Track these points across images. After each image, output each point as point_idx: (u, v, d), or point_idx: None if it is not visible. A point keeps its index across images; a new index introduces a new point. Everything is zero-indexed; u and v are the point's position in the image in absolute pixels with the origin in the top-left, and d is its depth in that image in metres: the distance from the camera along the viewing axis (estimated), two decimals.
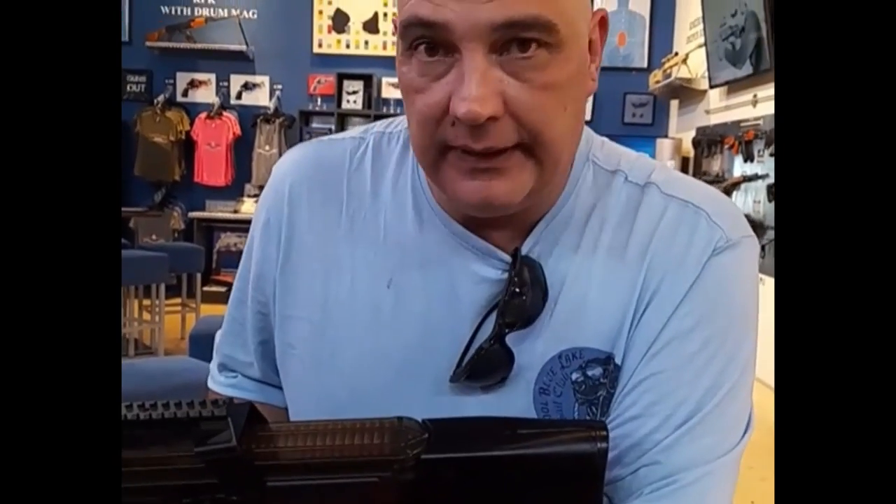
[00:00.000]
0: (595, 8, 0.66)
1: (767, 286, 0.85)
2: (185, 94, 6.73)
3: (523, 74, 0.59)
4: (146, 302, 5.05)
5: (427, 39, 0.59)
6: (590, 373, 0.67)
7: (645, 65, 6.34)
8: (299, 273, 0.74)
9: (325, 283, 0.73)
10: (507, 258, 0.68)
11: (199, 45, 6.52)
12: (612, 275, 0.68)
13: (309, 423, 0.62)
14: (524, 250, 0.68)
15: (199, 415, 0.57)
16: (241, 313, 0.80)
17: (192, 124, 6.59)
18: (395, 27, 0.64)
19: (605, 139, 0.75)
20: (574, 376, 0.67)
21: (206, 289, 5.53)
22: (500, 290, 0.68)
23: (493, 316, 0.68)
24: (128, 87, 6.69)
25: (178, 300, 5.21)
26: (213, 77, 6.71)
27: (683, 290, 0.66)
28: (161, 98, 6.53)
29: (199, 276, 5.11)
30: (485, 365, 0.67)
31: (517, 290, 0.66)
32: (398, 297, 0.70)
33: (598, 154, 0.72)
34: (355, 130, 0.79)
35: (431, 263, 0.70)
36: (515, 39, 0.58)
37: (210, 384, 0.85)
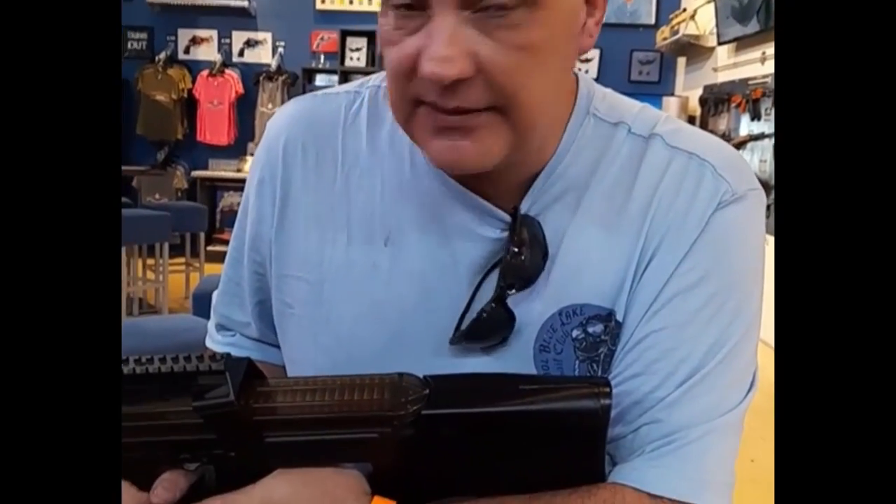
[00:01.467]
0: None
1: (771, 246, 0.84)
2: (186, 51, 6.68)
3: (497, 34, 0.57)
4: (150, 261, 5.07)
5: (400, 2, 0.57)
6: (590, 330, 0.66)
7: (652, 21, 6.25)
8: (295, 232, 0.73)
9: (321, 241, 0.72)
10: (506, 217, 0.67)
11: (200, 2, 6.45)
12: (613, 230, 0.66)
13: (308, 379, 0.61)
14: (523, 208, 0.67)
15: (197, 369, 0.57)
16: (237, 273, 0.80)
17: (194, 82, 6.55)
18: None
19: (609, 90, 0.73)
20: (574, 333, 0.66)
21: (209, 248, 5.53)
22: (499, 248, 0.67)
23: (493, 276, 0.67)
24: (129, 45, 6.63)
25: (182, 259, 5.22)
26: (214, 34, 6.65)
27: (687, 245, 0.65)
28: (163, 55, 6.49)
29: (202, 235, 5.11)
30: (486, 327, 0.66)
31: (516, 249, 0.65)
32: (395, 256, 0.69)
33: (599, 106, 0.70)
34: (350, 84, 0.77)
35: (429, 221, 0.69)
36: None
37: (208, 343, 0.85)
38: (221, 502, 0.58)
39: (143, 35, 6.63)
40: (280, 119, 0.77)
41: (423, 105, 0.60)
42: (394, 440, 0.57)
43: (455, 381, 0.61)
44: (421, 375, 0.60)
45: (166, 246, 4.49)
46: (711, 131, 5.21)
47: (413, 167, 0.70)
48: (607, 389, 0.58)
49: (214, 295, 0.85)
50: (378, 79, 0.76)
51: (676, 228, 0.66)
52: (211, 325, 0.85)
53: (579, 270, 0.66)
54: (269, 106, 6.46)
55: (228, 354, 0.58)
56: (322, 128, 0.74)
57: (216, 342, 0.84)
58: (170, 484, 0.58)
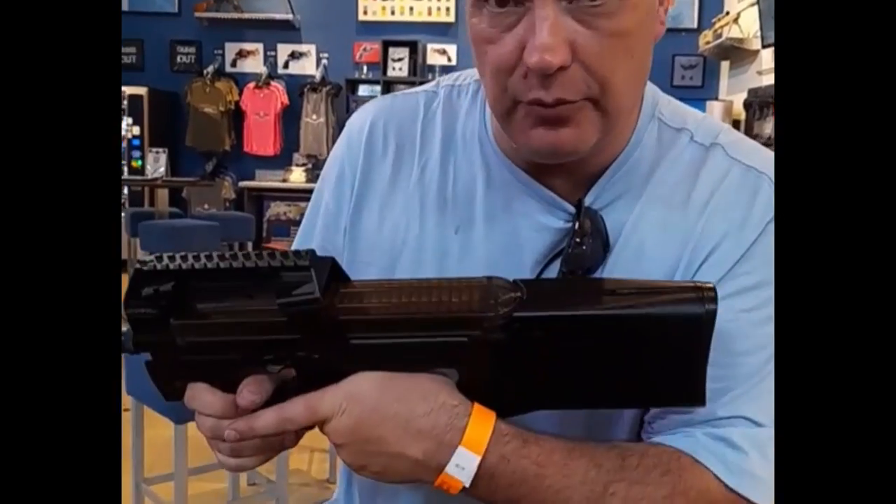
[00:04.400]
0: None
1: None
2: (233, 64, 6.80)
3: (593, 22, 0.60)
4: None
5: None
6: None
7: (694, 25, 6.20)
8: (370, 220, 0.76)
9: (395, 229, 0.75)
10: (570, 208, 0.70)
11: (246, 15, 6.57)
12: (669, 228, 0.69)
13: (394, 281, 0.59)
14: (587, 201, 0.70)
15: (282, 265, 0.53)
16: None
17: (240, 94, 6.66)
18: None
19: (671, 97, 0.76)
20: None
21: None
22: (561, 238, 0.70)
23: (554, 265, 0.69)
24: (178, 59, 6.78)
25: None
26: (260, 47, 6.76)
27: (742, 250, 0.67)
28: (210, 69, 6.61)
29: (249, 244, 5.20)
30: None
31: (578, 240, 0.68)
32: (464, 244, 0.73)
33: (664, 111, 0.73)
34: (428, 85, 0.82)
35: (497, 212, 0.72)
36: None
37: None
38: (304, 401, 0.58)
39: (192, 49, 6.77)
40: (362, 115, 0.81)
41: (521, 104, 0.63)
42: (483, 344, 0.55)
43: (548, 284, 0.59)
44: (511, 279, 0.58)
45: None
46: (756, 135, 5.15)
47: (484, 158, 0.74)
48: (712, 294, 0.55)
49: None
50: (451, 79, 0.81)
51: (733, 233, 0.67)
52: None
53: (635, 263, 0.68)
54: (314, 117, 6.55)
55: (313, 251, 0.55)
56: (403, 122, 0.78)
57: None
58: (255, 387, 0.58)
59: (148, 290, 0.55)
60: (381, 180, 0.77)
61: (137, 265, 0.55)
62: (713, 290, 0.56)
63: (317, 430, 0.60)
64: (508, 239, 0.71)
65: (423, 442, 0.57)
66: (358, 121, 0.81)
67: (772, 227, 0.67)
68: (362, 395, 0.57)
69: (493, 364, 0.55)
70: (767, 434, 0.63)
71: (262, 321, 0.55)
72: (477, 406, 0.57)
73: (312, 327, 0.55)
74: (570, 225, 0.69)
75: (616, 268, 0.69)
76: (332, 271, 0.56)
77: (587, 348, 0.55)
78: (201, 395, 0.60)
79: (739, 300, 0.66)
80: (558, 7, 0.59)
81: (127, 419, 1.92)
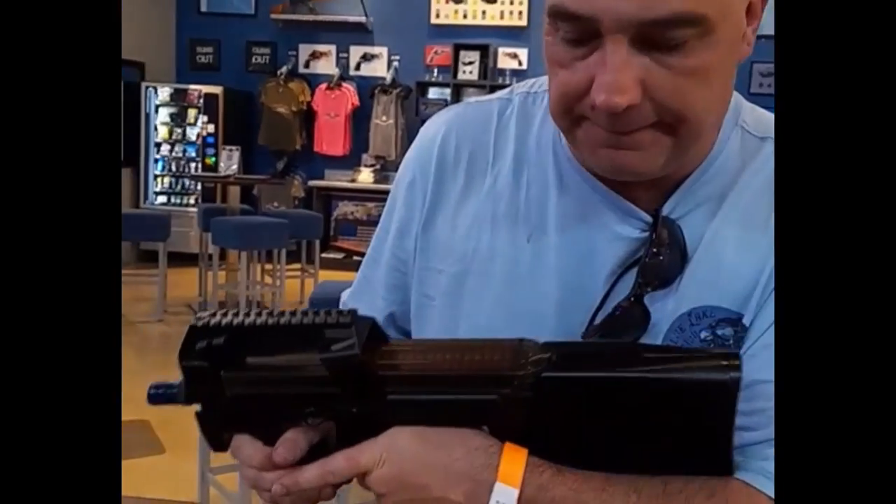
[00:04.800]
0: None
1: None
2: (306, 65, 6.92)
3: (668, 60, 0.58)
4: (268, 266, 5.27)
5: (571, 32, 0.59)
6: (719, 332, 0.67)
7: (772, 32, 6.02)
8: (442, 227, 0.76)
9: (467, 236, 0.74)
10: (647, 217, 0.68)
11: (320, 17, 6.68)
12: (749, 237, 0.67)
13: (429, 341, 0.62)
14: (665, 210, 0.68)
15: (325, 322, 0.57)
16: (372, 272, 0.83)
17: (312, 95, 6.77)
18: None
19: (755, 105, 0.74)
20: (703, 335, 0.67)
21: (324, 255, 5.71)
22: (637, 248, 0.68)
23: (628, 275, 0.68)
24: (253, 59, 6.93)
25: (298, 265, 5.40)
26: (333, 48, 6.86)
27: None
28: (284, 69, 6.74)
29: (317, 242, 5.28)
30: (619, 323, 0.67)
31: (656, 250, 0.66)
32: (536, 252, 0.72)
33: (747, 119, 0.71)
34: (502, 92, 0.81)
35: (570, 220, 0.71)
36: (662, 33, 0.57)
37: None
38: (345, 455, 0.60)
39: (267, 50, 6.91)
40: (436, 123, 0.81)
41: (586, 120, 0.62)
42: (513, 402, 0.57)
43: (577, 346, 0.61)
44: (541, 341, 0.60)
45: (283, 252, 4.66)
46: None
47: (557, 167, 0.73)
48: (737, 362, 0.56)
49: (344, 294, 0.88)
50: (526, 85, 0.79)
51: None
52: None
53: (712, 274, 0.67)
54: (384, 118, 6.61)
55: (355, 311, 0.58)
56: (476, 131, 0.78)
57: None
58: (291, 444, 0.61)
59: (201, 344, 0.59)
60: (453, 189, 0.77)
61: (193, 321, 0.59)
62: (738, 357, 0.57)
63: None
64: (582, 248, 0.70)
65: (463, 484, 0.58)
66: (431, 129, 0.80)
67: None
68: (401, 446, 0.59)
69: (522, 421, 0.57)
70: None
71: (305, 375, 0.59)
72: (508, 444, 0.59)
73: (352, 381, 0.58)
74: (646, 234, 0.68)
75: (692, 277, 0.67)
76: (372, 331, 0.60)
77: (613, 410, 0.57)
78: (244, 447, 0.63)
79: None
80: (632, 47, 0.57)
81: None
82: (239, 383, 0.60)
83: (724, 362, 0.56)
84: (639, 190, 0.68)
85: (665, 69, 0.58)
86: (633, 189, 0.68)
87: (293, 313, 0.58)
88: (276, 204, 6.61)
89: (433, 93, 6.67)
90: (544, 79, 0.75)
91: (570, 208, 0.71)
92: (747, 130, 0.70)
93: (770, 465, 0.61)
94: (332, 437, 0.61)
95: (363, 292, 0.84)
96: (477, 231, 0.74)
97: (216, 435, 0.64)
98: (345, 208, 6.85)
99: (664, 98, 0.59)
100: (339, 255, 6.56)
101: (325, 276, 4.98)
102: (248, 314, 0.58)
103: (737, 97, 0.71)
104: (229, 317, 0.58)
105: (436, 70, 6.71)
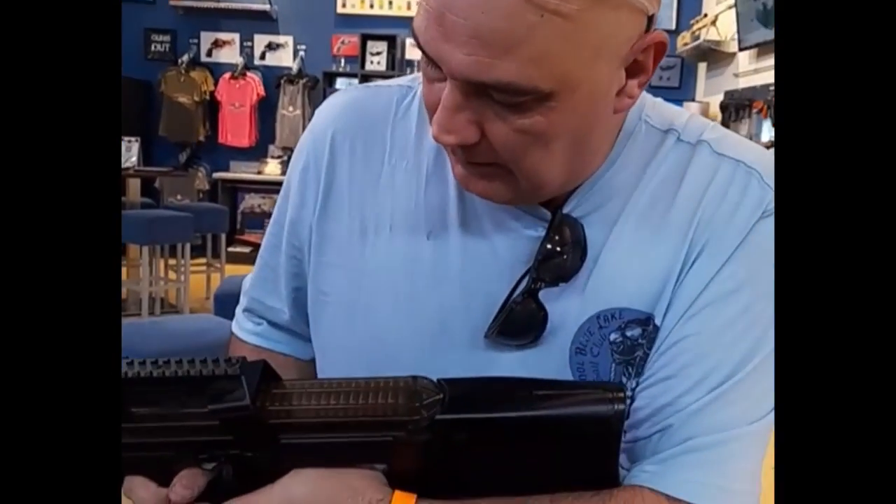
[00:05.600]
0: (654, 29, 0.60)
1: None
2: (209, 54, 6.72)
3: (503, 113, 0.57)
4: (171, 261, 5.11)
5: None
6: (628, 333, 0.67)
7: (673, 27, 6.23)
8: (338, 220, 0.74)
9: (364, 231, 0.72)
10: (549, 216, 0.68)
11: (222, 5, 6.49)
12: (655, 235, 0.66)
13: (323, 381, 0.62)
14: (566, 209, 0.67)
15: (213, 373, 0.57)
16: (274, 258, 0.80)
17: (216, 85, 6.59)
18: None
19: (658, 99, 0.73)
20: (612, 337, 0.67)
21: (230, 249, 5.57)
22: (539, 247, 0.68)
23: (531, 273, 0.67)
24: (152, 47, 6.69)
25: (203, 260, 5.26)
26: (236, 37, 6.69)
27: (728, 252, 0.65)
28: (185, 58, 6.53)
29: (223, 236, 5.14)
30: (517, 321, 0.67)
31: (557, 248, 0.66)
32: (437, 250, 0.70)
33: (650, 114, 0.71)
34: (403, 79, 0.78)
35: (472, 219, 0.70)
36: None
37: (234, 329, 0.85)
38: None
39: (167, 38, 6.68)
40: (330, 108, 0.78)
41: None
42: (408, 444, 0.58)
43: (469, 386, 0.62)
44: (435, 378, 0.61)
45: (188, 246, 4.53)
46: None
47: None
48: (621, 395, 0.59)
49: (246, 279, 0.85)
50: None
51: (719, 234, 0.66)
52: (239, 309, 0.85)
53: (619, 275, 0.66)
54: (290, 109, 6.50)
55: (244, 358, 0.58)
56: (372, 119, 0.75)
57: (243, 329, 0.84)
58: (188, 482, 0.59)
59: None
60: (348, 179, 0.74)
61: None
62: (622, 390, 0.59)
63: None
64: (484, 248, 0.69)
65: None
66: (325, 114, 0.78)
67: (761, 225, 0.65)
68: (295, 497, 0.59)
69: (417, 460, 0.59)
70: (736, 435, 0.63)
71: (195, 424, 0.59)
72: (397, 493, 0.59)
73: (244, 430, 0.58)
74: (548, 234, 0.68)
75: (599, 279, 0.67)
76: (263, 373, 0.60)
77: (505, 446, 0.59)
78: (137, 489, 0.61)
79: (727, 306, 0.64)
80: (468, 93, 0.57)
81: None
82: (126, 434, 0.58)
83: (610, 395, 0.59)
84: None
85: (501, 121, 0.57)
86: None
87: (179, 362, 0.57)
88: (179, 197, 6.41)
89: (341, 83, 6.59)
90: None
91: (471, 207, 0.70)
92: (651, 125, 0.70)
93: (661, 465, 0.63)
94: (229, 477, 0.61)
95: (267, 279, 0.81)
96: (374, 226, 0.72)
97: None
98: (251, 201, 6.70)
99: (499, 147, 0.59)
100: (247, 249, 6.41)
101: (232, 270, 4.86)
102: (131, 364, 0.58)
103: (642, 94, 0.71)
104: None
105: (343, 60, 6.63)
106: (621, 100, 0.62)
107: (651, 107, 0.71)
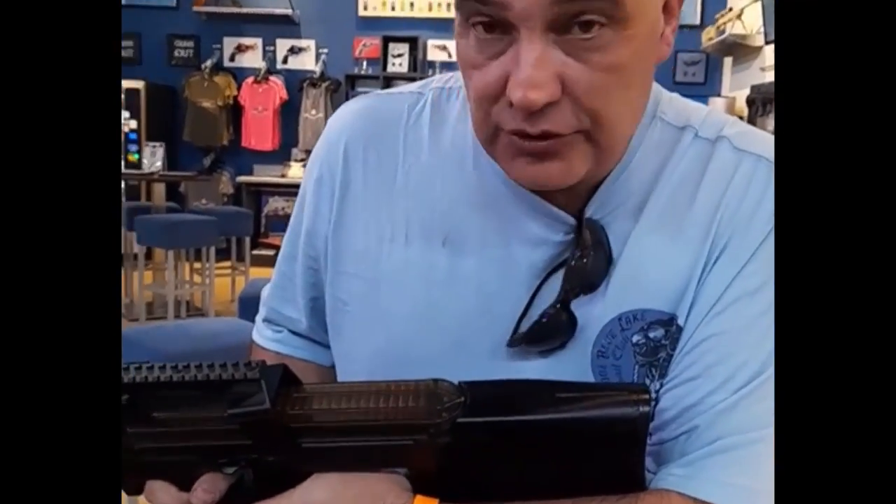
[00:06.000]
0: None
1: None
2: (232, 58, 6.77)
3: (585, 55, 0.56)
4: (197, 265, 5.15)
5: (483, 17, 0.56)
6: (651, 335, 0.65)
7: (697, 21, 6.17)
8: (353, 229, 0.72)
9: (379, 239, 0.71)
10: (570, 220, 0.66)
11: (245, 10, 6.54)
12: (677, 234, 0.65)
13: (343, 385, 0.61)
14: (588, 213, 0.66)
15: (232, 377, 0.57)
16: (290, 268, 0.79)
17: (239, 89, 6.64)
18: None
19: (675, 94, 0.72)
20: (635, 338, 0.65)
21: (254, 252, 5.61)
22: (559, 252, 0.66)
23: (552, 280, 0.66)
24: (175, 53, 6.75)
25: (228, 263, 5.29)
26: (259, 42, 6.73)
27: (752, 249, 0.63)
28: (208, 63, 6.59)
29: (247, 239, 5.18)
30: (546, 330, 0.65)
31: (584, 255, 0.64)
32: (453, 256, 0.68)
33: (666, 110, 0.69)
34: (413, 85, 0.77)
35: (490, 223, 0.68)
36: (577, 20, 0.54)
37: (255, 337, 0.85)
38: None
39: (190, 43, 6.74)
40: (342, 117, 0.77)
41: (503, 132, 0.59)
42: (429, 447, 0.57)
43: (491, 389, 0.61)
44: (457, 382, 0.60)
45: (213, 250, 4.56)
46: None
47: (477, 168, 0.69)
48: (646, 396, 0.57)
49: (265, 289, 0.85)
50: (441, 80, 0.76)
51: (742, 231, 0.64)
52: (259, 318, 0.85)
53: (641, 275, 0.65)
54: (313, 112, 6.52)
55: (263, 362, 0.58)
56: (385, 127, 0.74)
57: (264, 337, 0.83)
58: (209, 486, 0.59)
59: None
60: (363, 187, 0.73)
61: None
62: (647, 391, 0.58)
63: None
64: (501, 253, 0.67)
65: None
66: (337, 123, 0.76)
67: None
68: (315, 502, 0.58)
69: (439, 463, 0.58)
70: (757, 437, 0.61)
71: (215, 429, 0.58)
72: (419, 497, 0.58)
73: (263, 434, 0.58)
74: (569, 238, 0.66)
75: (620, 280, 0.65)
76: (283, 376, 0.59)
77: (528, 450, 0.58)
78: (158, 493, 0.61)
79: (752, 304, 0.63)
80: (546, 39, 0.55)
81: None
82: (146, 438, 0.59)
83: (634, 397, 0.57)
84: (558, 192, 0.65)
85: (582, 64, 0.56)
86: (552, 192, 0.65)
87: (199, 366, 0.57)
88: (204, 201, 6.46)
89: (363, 86, 6.61)
90: (460, 73, 0.72)
91: (489, 211, 0.68)
92: (667, 122, 0.68)
93: (688, 467, 0.61)
94: (249, 482, 0.60)
95: (284, 288, 0.81)
96: (390, 234, 0.71)
97: (129, 481, 0.63)
98: (275, 204, 6.74)
99: (584, 96, 0.56)
100: (271, 252, 6.44)
101: (257, 273, 4.88)
102: (151, 368, 0.57)
103: (656, 88, 0.69)
104: (132, 373, 0.57)
105: (365, 63, 6.65)
106: (661, 47, 0.62)
107: (667, 103, 0.70)
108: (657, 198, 0.66)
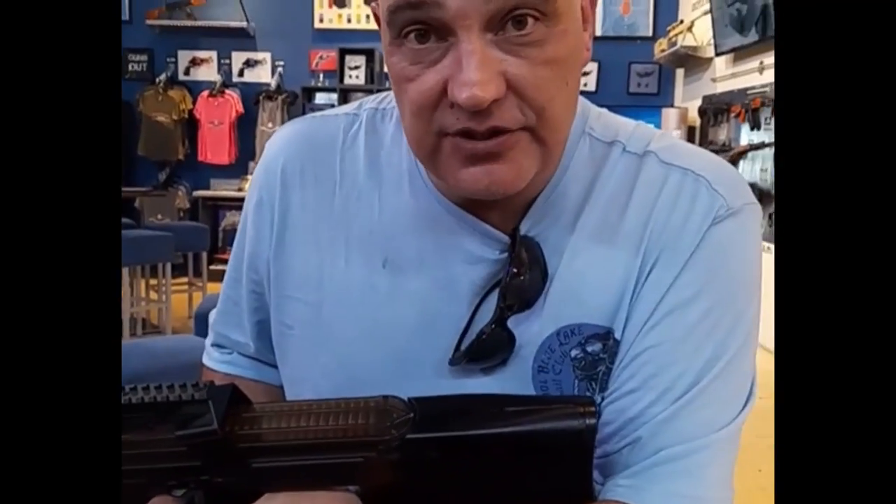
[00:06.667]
0: None
1: (771, 254, 0.84)
2: (186, 72, 6.70)
3: (523, 51, 0.57)
4: (153, 281, 5.06)
5: (418, 24, 0.56)
6: (589, 349, 0.66)
7: (650, 33, 6.27)
8: (293, 253, 0.73)
9: (320, 263, 0.71)
10: (505, 238, 0.67)
11: (199, 23, 6.48)
12: (609, 249, 0.66)
13: (293, 404, 0.61)
14: (522, 230, 0.66)
15: (179, 398, 0.57)
16: (235, 292, 0.80)
17: (194, 103, 6.57)
18: (377, 17, 0.62)
19: (603, 110, 0.73)
20: (573, 353, 0.66)
21: (212, 267, 5.53)
22: (497, 270, 0.67)
23: (492, 297, 0.66)
24: (129, 67, 6.66)
25: (185, 279, 5.22)
26: (214, 55, 6.67)
27: (683, 260, 0.65)
28: (163, 77, 6.51)
29: (204, 254, 5.12)
30: (486, 348, 0.66)
31: (519, 272, 0.65)
32: (393, 278, 0.69)
33: (594, 125, 0.70)
34: (348, 106, 0.77)
35: (427, 243, 0.69)
36: (511, 17, 0.56)
37: (205, 360, 0.84)
38: None
39: (144, 57, 6.65)
40: (278, 141, 0.77)
41: (448, 137, 0.59)
42: (379, 463, 0.58)
43: (440, 404, 0.61)
44: (406, 398, 0.60)
45: (169, 266, 4.49)
46: (711, 142, 5.22)
47: (412, 189, 0.70)
48: (592, 408, 0.58)
49: (212, 314, 0.85)
50: (375, 101, 0.76)
51: (673, 244, 0.65)
52: (208, 342, 0.85)
53: (576, 290, 0.66)
54: (270, 125, 6.48)
55: (212, 383, 0.58)
56: (320, 149, 0.74)
57: (213, 359, 0.84)
58: None
59: None
60: (301, 211, 0.73)
61: None
62: (593, 404, 0.59)
63: None
64: (441, 272, 0.68)
65: None
66: (274, 147, 0.76)
67: (711, 233, 0.65)
68: None
69: (390, 479, 0.58)
70: (702, 444, 0.62)
71: (164, 451, 0.58)
72: None
73: (212, 455, 0.58)
74: (505, 256, 0.67)
75: (556, 296, 0.66)
76: (232, 397, 0.59)
77: (478, 464, 0.59)
78: None
79: (687, 314, 0.64)
80: (484, 38, 0.56)
81: None
82: None
83: (581, 409, 0.58)
84: (492, 211, 0.66)
85: (522, 60, 0.56)
86: (487, 210, 0.66)
87: (146, 388, 0.57)
88: (159, 216, 6.37)
89: (320, 98, 6.59)
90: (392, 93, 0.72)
91: (426, 231, 0.69)
92: (595, 137, 0.70)
93: (634, 478, 0.62)
94: (199, 500, 0.60)
95: (230, 313, 0.81)
96: (330, 257, 0.71)
97: None
98: (232, 218, 6.66)
99: (528, 91, 0.57)
100: None
101: (214, 288, 4.82)
102: None
103: (585, 104, 0.70)
104: None
105: (321, 75, 6.63)
106: (583, 52, 0.63)
107: (595, 119, 0.71)
108: (590, 212, 0.67)
